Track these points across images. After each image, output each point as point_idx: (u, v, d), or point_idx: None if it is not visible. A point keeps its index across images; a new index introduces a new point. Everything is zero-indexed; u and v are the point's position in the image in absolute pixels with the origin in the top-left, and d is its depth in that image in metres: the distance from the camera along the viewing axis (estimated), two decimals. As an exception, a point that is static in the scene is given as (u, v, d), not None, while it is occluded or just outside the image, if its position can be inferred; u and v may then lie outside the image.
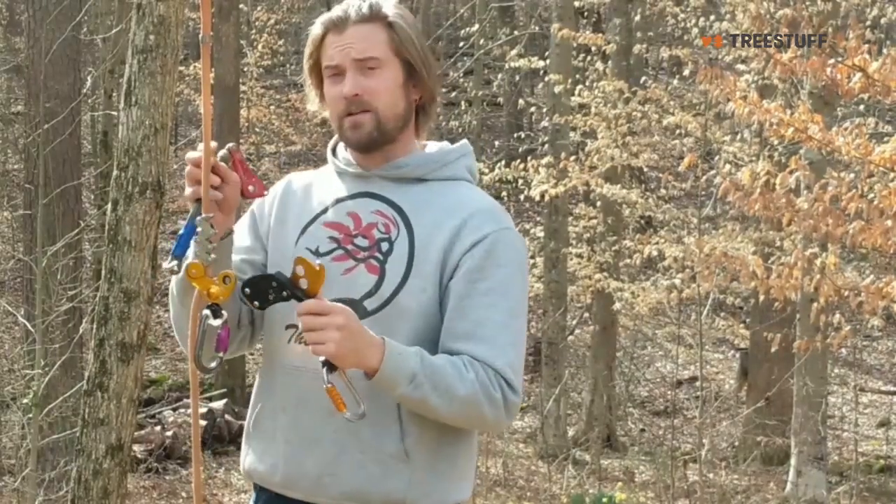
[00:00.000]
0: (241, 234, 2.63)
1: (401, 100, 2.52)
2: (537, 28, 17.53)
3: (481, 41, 17.40)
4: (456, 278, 2.45)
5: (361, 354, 2.32)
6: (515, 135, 18.85)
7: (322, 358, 2.32)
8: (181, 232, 2.45)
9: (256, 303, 2.38)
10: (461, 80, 19.50)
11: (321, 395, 2.36)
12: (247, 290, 2.38)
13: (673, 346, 14.66)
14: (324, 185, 2.61)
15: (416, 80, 2.54)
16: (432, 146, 2.62)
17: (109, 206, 4.95)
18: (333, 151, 2.64)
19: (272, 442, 2.51)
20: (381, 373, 2.32)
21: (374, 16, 2.50)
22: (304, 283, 2.33)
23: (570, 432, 14.05)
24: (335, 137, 2.65)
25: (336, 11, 2.51)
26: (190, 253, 2.44)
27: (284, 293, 2.34)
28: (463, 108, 19.06)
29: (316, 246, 2.51)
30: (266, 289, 2.36)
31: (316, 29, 2.53)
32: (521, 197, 12.85)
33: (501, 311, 2.44)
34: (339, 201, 2.55)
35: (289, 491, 2.50)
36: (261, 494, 2.57)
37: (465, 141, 2.66)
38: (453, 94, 19.49)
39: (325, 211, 2.55)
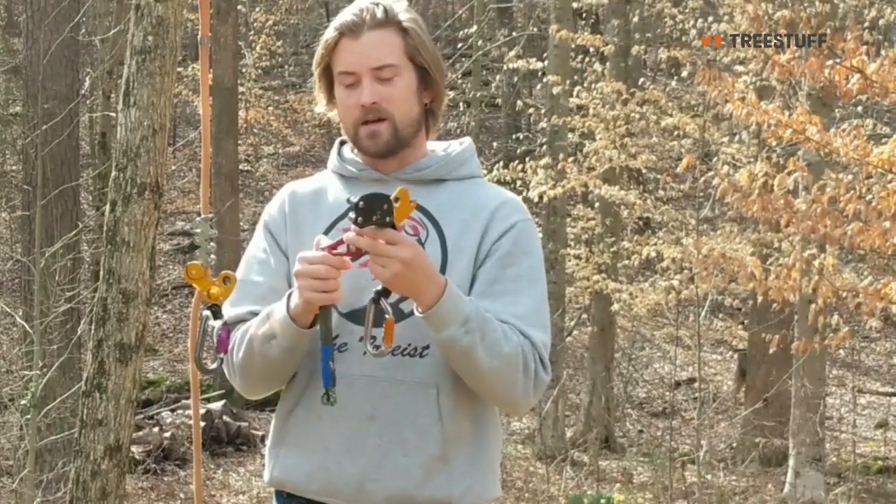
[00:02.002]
0: (259, 248, 2.59)
1: (415, 105, 2.53)
2: (535, 29, 17.54)
3: (479, 42, 17.41)
4: (486, 266, 2.49)
5: (419, 288, 2.34)
6: (514, 136, 18.86)
7: (379, 287, 2.35)
8: (321, 358, 2.42)
9: (361, 219, 2.34)
10: (459, 81, 19.49)
11: (360, 401, 2.41)
12: (361, 203, 2.33)
13: (671, 347, 14.66)
14: (333, 190, 2.58)
15: (429, 83, 2.54)
16: (437, 146, 2.62)
17: (108, 206, 4.95)
18: (339, 152, 2.62)
19: (305, 449, 2.49)
20: (438, 308, 2.34)
21: (389, 21, 2.49)
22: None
23: (569, 433, 14.05)
24: (337, 142, 2.64)
25: (349, 16, 2.49)
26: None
27: (388, 219, 2.33)
28: (461, 109, 19.06)
29: None
30: (377, 209, 2.33)
31: (329, 33, 2.51)
32: (520, 198, 12.84)
33: (531, 296, 2.49)
34: None
35: (329, 498, 2.48)
36: (288, 501, 2.54)
37: (469, 139, 2.68)
38: (451, 95, 19.48)
39: (343, 216, 2.51)
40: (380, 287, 2.36)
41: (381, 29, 2.48)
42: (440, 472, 2.44)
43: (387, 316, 2.35)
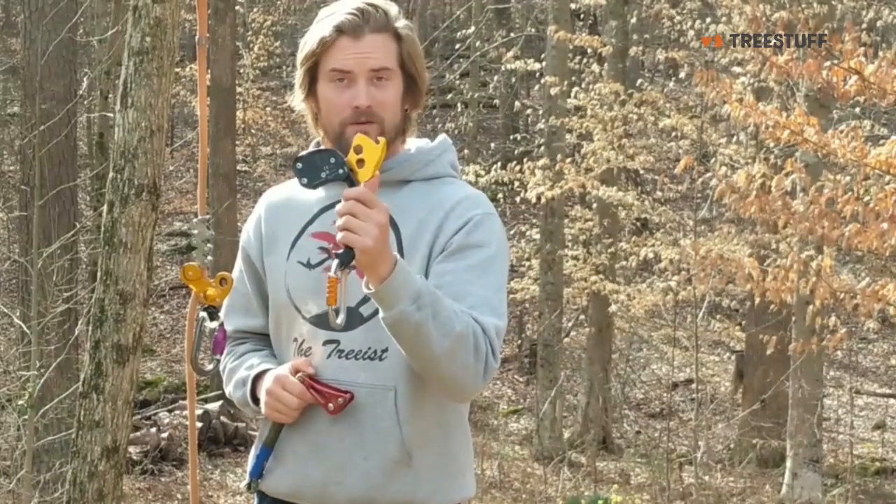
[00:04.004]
0: (237, 266, 2.66)
1: (399, 111, 2.53)
2: (533, 30, 17.54)
3: (477, 43, 17.42)
4: (438, 260, 2.46)
5: (379, 259, 2.28)
6: (511, 137, 18.87)
7: (340, 250, 2.29)
8: (256, 452, 2.55)
9: (305, 179, 2.35)
10: (457, 82, 19.51)
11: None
12: (299, 165, 2.34)
13: (669, 348, 14.67)
14: (305, 194, 2.59)
15: (412, 92, 2.55)
16: (410, 144, 2.61)
17: (105, 207, 4.94)
18: None
19: (278, 453, 2.53)
20: (390, 282, 2.27)
21: (388, 26, 2.50)
22: (360, 164, 2.32)
23: (566, 434, 14.05)
24: (314, 143, 2.63)
25: (348, 16, 2.48)
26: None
27: (341, 171, 2.31)
28: (459, 110, 19.07)
29: (307, 258, 2.53)
30: (322, 165, 2.32)
31: (326, 30, 2.49)
32: (517, 199, 12.86)
33: (482, 287, 2.44)
34: (324, 210, 2.54)
35: (296, 500, 2.53)
36: (264, 499, 2.59)
37: (444, 136, 2.66)
38: (449, 96, 19.49)
39: (311, 221, 2.55)
40: (341, 250, 2.30)
41: (381, 33, 2.49)
42: (403, 474, 2.46)
43: (331, 275, 2.31)
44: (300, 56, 2.55)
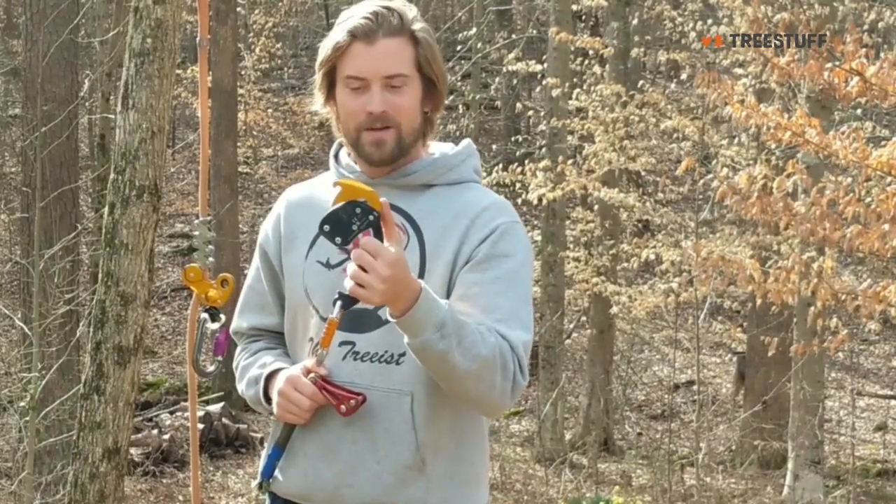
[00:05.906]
0: (254, 265, 2.66)
1: (418, 114, 2.51)
2: (535, 32, 17.52)
3: (479, 45, 17.41)
4: (465, 270, 2.45)
5: (398, 297, 2.29)
6: (513, 138, 18.84)
7: (346, 291, 2.30)
8: (268, 453, 2.54)
9: (339, 239, 2.33)
10: (459, 83, 19.50)
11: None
12: (326, 227, 2.32)
13: (670, 349, 14.66)
14: (326, 193, 2.56)
15: (432, 94, 2.53)
16: (435, 148, 2.60)
17: (106, 209, 4.94)
18: (335, 157, 2.62)
19: (289, 453, 2.52)
20: (413, 313, 2.28)
21: (403, 29, 2.47)
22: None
23: (568, 436, 14.04)
24: (336, 143, 2.63)
25: (362, 20, 2.46)
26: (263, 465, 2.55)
27: (371, 217, 2.30)
28: (461, 111, 19.06)
29: (326, 258, 2.51)
30: (350, 219, 2.31)
31: (340, 35, 2.47)
32: (519, 201, 12.84)
33: (510, 299, 2.43)
34: None
35: (307, 500, 2.52)
36: (275, 500, 2.58)
37: (468, 141, 2.64)
38: (451, 97, 19.47)
39: None
40: (347, 292, 2.32)
41: (396, 37, 2.46)
42: (415, 480, 2.44)
43: (332, 317, 2.35)
44: (318, 61, 2.53)
